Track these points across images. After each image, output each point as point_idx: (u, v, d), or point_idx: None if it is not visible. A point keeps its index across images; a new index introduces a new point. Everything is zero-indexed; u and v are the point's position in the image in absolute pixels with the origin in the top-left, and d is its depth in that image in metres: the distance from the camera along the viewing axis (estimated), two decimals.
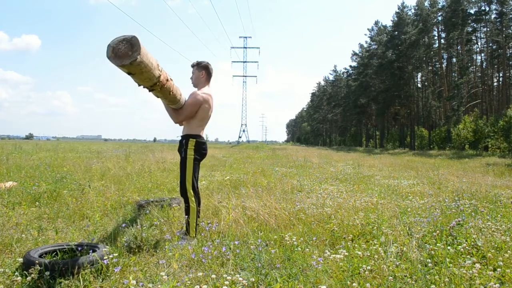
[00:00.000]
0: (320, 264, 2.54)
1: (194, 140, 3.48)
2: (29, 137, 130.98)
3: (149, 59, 2.46)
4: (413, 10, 41.75)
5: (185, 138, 3.51)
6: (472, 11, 36.48)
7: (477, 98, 38.27)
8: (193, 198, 3.39)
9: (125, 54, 2.27)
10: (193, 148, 3.46)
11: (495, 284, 2.14)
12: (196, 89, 3.62)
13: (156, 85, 2.75)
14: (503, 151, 26.41)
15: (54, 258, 2.82)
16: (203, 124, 3.58)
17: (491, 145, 29.02)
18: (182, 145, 3.51)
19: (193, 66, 3.66)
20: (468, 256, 2.74)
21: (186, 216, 3.38)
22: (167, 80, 2.88)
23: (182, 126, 3.65)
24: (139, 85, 2.73)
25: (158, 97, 3.13)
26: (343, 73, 68.24)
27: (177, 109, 3.50)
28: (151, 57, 2.49)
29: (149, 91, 2.85)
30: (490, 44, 36.51)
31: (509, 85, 36.33)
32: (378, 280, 2.33)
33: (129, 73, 2.45)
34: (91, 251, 2.74)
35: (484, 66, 39.39)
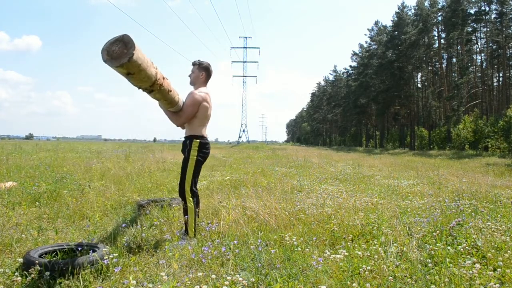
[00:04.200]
0: (320, 264, 2.54)
1: (198, 141, 3.49)
2: (29, 137, 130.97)
3: (144, 56, 2.47)
4: (413, 10, 41.75)
5: (189, 139, 3.51)
6: (472, 11, 36.49)
7: (477, 98, 38.27)
8: (190, 198, 3.40)
9: (121, 53, 2.28)
10: (197, 149, 3.47)
11: (495, 284, 2.14)
12: (192, 88, 3.62)
13: (155, 84, 2.75)
14: (503, 151, 26.40)
15: (54, 258, 2.82)
16: (204, 123, 3.58)
17: (491, 145, 29.01)
18: (186, 146, 3.52)
19: (194, 64, 3.65)
20: (468, 256, 2.74)
21: (186, 216, 3.38)
22: (164, 78, 2.89)
23: (185, 128, 3.65)
24: (139, 87, 2.73)
25: (158, 99, 3.13)
26: (343, 73, 68.26)
27: (176, 111, 3.50)
28: (145, 54, 2.50)
29: (149, 92, 2.85)
30: (490, 44, 36.51)
31: (509, 85, 36.33)
32: (378, 280, 2.33)
33: (127, 74, 2.45)
34: (91, 251, 2.74)
35: (484, 66, 39.38)
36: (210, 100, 3.58)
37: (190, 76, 3.65)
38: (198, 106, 3.46)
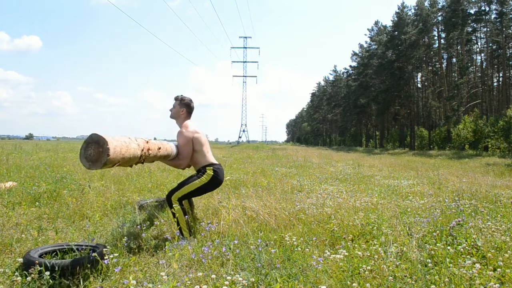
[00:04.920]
0: (320, 264, 2.54)
1: (212, 167, 3.52)
2: (29, 137, 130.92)
3: (120, 140, 2.47)
4: (413, 10, 41.75)
5: (202, 169, 3.55)
6: (472, 11, 36.50)
7: (477, 98, 38.27)
8: (176, 201, 3.41)
9: (98, 153, 2.28)
10: (210, 176, 3.49)
11: (495, 284, 2.14)
12: (174, 121, 3.68)
13: (143, 156, 2.78)
14: (503, 151, 26.41)
15: (54, 258, 2.82)
16: (206, 151, 3.61)
17: (491, 145, 29.01)
18: (199, 171, 3.55)
19: (176, 99, 3.70)
20: (468, 256, 2.74)
21: (176, 220, 3.39)
22: (147, 142, 2.91)
23: (192, 167, 3.70)
24: (131, 166, 2.79)
25: (153, 161, 3.19)
26: (343, 73, 68.26)
27: (175, 158, 3.54)
28: (118, 138, 2.48)
29: (142, 163, 2.89)
30: (490, 44, 36.50)
31: (509, 85, 36.33)
32: (378, 280, 2.33)
33: (114, 166, 2.46)
34: (91, 251, 2.74)
35: (484, 66, 39.37)
36: (198, 129, 3.62)
37: (171, 110, 3.70)
38: (191, 142, 3.50)
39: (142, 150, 2.76)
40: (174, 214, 3.38)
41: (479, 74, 40.41)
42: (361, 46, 56.31)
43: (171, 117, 3.69)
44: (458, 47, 38.11)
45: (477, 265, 2.38)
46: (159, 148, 3.09)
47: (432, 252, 2.83)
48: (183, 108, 3.64)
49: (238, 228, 3.59)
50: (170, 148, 3.37)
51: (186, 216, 3.37)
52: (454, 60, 39.92)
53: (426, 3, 39.61)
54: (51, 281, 2.32)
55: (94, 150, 2.29)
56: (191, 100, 3.70)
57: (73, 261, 2.47)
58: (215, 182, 3.54)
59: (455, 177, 9.01)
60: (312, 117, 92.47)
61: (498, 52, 35.80)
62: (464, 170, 12.13)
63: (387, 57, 43.31)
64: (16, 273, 2.46)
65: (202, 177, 3.47)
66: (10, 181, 6.30)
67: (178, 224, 3.36)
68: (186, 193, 3.45)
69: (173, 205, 3.36)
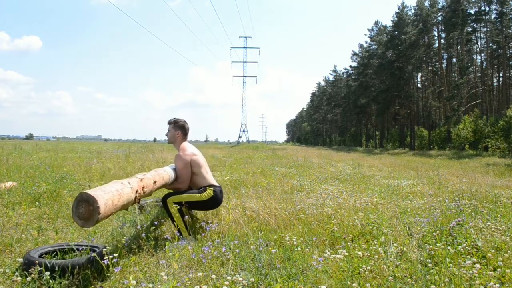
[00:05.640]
0: (320, 264, 2.54)
1: (212, 189, 3.51)
2: (29, 137, 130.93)
3: (111, 190, 2.43)
4: (413, 10, 41.76)
5: (203, 187, 3.54)
6: (472, 11, 36.51)
7: (477, 98, 38.27)
8: (172, 202, 3.39)
9: (89, 211, 2.25)
10: (210, 197, 3.47)
11: (495, 284, 2.14)
12: (172, 145, 3.71)
13: (137, 197, 2.77)
14: (503, 151, 26.41)
15: (54, 258, 2.82)
16: (206, 172, 3.60)
17: (491, 145, 29.02)
18: (200, 188, 3.54)
19: (169, 123, 3.71)
20: (468, 256, 2.74)
21: (172, 221, 3.39)
22: (142, 180, 2.88)
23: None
24: (126, 209, 2.75)
25: (152, 193, 3.17)
26: (343, 73, 68.28)
27: (173, 183, 3.53)
28: (108, 190, 2.43)
29: (139, 201, 2.86)
30: (490, 44, 36.50)
31: (509, 85, 36.33)
32: (378, 280, 2.33)
33: (109, 216, 2.43)
34: (91, 251, 2.74)
35: (484, 66, 39.37)
36: (195, 151, 3.62)
37: (167, 135, 3.71)
38: (189, 165, 3.50)
39: (137, 191, 2.73)
40: (171, 216, 3.37)
41: (479, 74, 40.41)
42: (361, 46, 56.33)
43: (169, 142, 3.72)
44: (458, 47, 38.12)
45: (477, 265, 2.38)
46: (155, 182, 3.07)
47: (432, 252, 2.83)
48: (178, 130, 3.66)
49: (238, 228, 3.59)
50: (167, 175, 3.37)
51: (186, 217, 3.37)
52: (454, 60, 39.93)
53: (426, 3, 39.62)
54: (51, 281, 2.32)
55: (85, 209, 2.25)
56: (185, 122, 3.71)
57: (73, 261, 2.47)
58: (213, 202, 3.53)
59: (455, 177, 9.01)
60: (312, 117, 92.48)
61: (498, 52, 35.80)
62: (464, 170, 12.13)
63: (387, 57, 43.31)
64: (16, 273, 2.46)
65: (202, 194, 3.47)
66: (10, 181, 6.30)
67: (176, 225, 3.36)
68: (182, 201, 3.42)
69: (169, 207, 3.36)
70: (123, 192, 2.56)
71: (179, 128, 3.66)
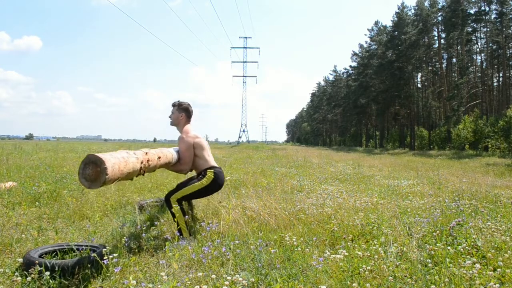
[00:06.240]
0: (320, 264, 2.54)
1: (212, 170, 3.52)
2: (29, 137, 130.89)
3: (118, 157, 2.46)
4: (413, 10, 41.77)
5: (203, 171, 3.55)
6: (472, 11, 36.51)
7: (477, 98, 38.27)
8: (175, 202, 3.41)
9: (96, 173, 2.28)
10: (211, 179, 3.48)
11: (495, 284, 2.14)
12: (175, 128, 3.70)
13: (143, 168, 2.79)
14: (503, 151, 26.42)
15: (54, 258, 2.82)
16: (207, 155, 3.61)
17: (491, 145, 29.03)
18: (200, 174, 3.55)
19: (173, 105, 3.70)
20: (468, 256, 2.74)
21: (174, 220, 3.39)
22: (146, 153, 2.90)
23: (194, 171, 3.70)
24: (132, 179, 2.78)
25: (154, 170, 3.19)
26: (343, 73, 68.29)
27: (176, 164, 3.54)
28: (116, 155, 2.48)
29: (143, 174, 2.89)
30: (490, 44, 36.50)
31: (509, 85, 36.33)
32: (378, 280, 2.33)
33: (115, 182, 2.46)
34: (91, 251, 2.74)
35: (484, 66, 39.37)
36: (199, 134, 3.63)
37: (170, 117, 3.70)
38: (192, 148, 3.51)
39: (142, 162, 2.76)
40: (173, 215, 3.38)
41: (479, 74, 40.41)
42: (361, 46, 56.34)
43: (172, 124, 3.71)
44: (458, 47, 38.11)
45: (477, 265, 2.38)
46: (159, 158, 3.10)
47: (432, 252, 2.83)
48: (182, 112, 3.65)
49: (238, 228, 3.58)
50: (171, 155, 3.38)
51: (186, 217, 3.37)
52: (454, 60, 39.94)
53: (426, 3, 39.62)
54: (51, 281, 2.32)
55: (92, 170, 2.29)
56: (189, 104, 3.70)
57: (73, 261, 2.47)
58: (215, 185, 3.54)
59: (455, 177, 9.01)
60: (312, 117, 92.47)
61: (498, 52, 35.80)
62: (464, 170, 12.13)
63: (387, 57, 43.31)
64: (16, 273, 2.46)
65: (203, 180, 3.47)
66: (10, 181, 6.30)
67: (178, 224, 3.37)
68: (186, 194, 3.45)
69: (173, 206, 3.36)
70: (129, 160, 2.58)
71: (183, 111, 3.65)
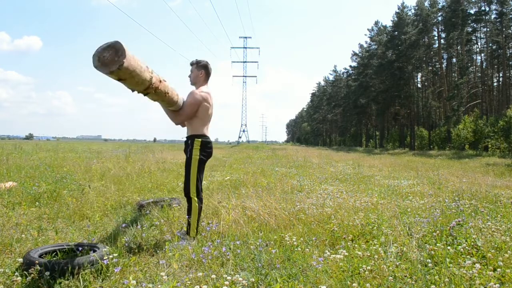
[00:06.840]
0: (320, 264, 2.54)
1: (200, 140, 3.47)
2: (29, 137, 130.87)
3: (137, 62, 2.45)
4: (413, 10, 41.77)
5: (190, 138, 3.49)
6: (472, 11, 36.51)
7: (477, 98, 38.27)
8: (196, 198, 3.37)
9: (111, 60, 2.26)
10: (199, 148, 3.44)
11: (495, 284, 2.14)
12: (194, 87, 3.60)
13: (150, 88, 2.74)
14: (503, 151, 26.42)
15: (54, 258, 2.82)
16: (205, 123, 3.55)
17: (491, 145, 29.03)
18: (188, 145, 3.50)
19: (192, 64, 3.63)
20: (468, 256, 2.74)
21: (188, 216, 3.37)
22: (160, 81, 2.86)
23: (186, 128, 3.63)
24: (133, 90, 2.72)
25: (155, 100, 3.12)
26: (343, 73, 68.28)
27: (176, 110, 3.48)
28: (138, 60, 2.47)
29: (144, 95, 2.84)
30: (490, 44, 36.50)
31: (509, 85, 36.33)
32: (378, 280, 2.33)
33: (119, 80, 2.44)
34: (91, 251, 2.74)
35: (484, 66, 39.37)
36: (211, 100, 3.55)
37: (189, 76, 3.64)
38: (198, 106, 3.43)
39: (153, 81, 2.71)
40: (190, 211, 3.35)
41: (479, 74, 40.41)
42: (361, 46, 56.34)
43: (191, 83, 3.62)
44: (458, 47, 38.11)
45: (477, 265, 2.38)
46: (167, 93, 3.03)
47: (432, 252, 2.83)
48: (201, 70, 3.58)
49: (238, 228, 3.59)
50: (177, 99, 3.31)
51: (199, 218, 3.36)
52: (454, 60, 39.94)
53: (426, 3, 39.62)
54: (51, 281, 2.32)
55: (110, 56, 2.26)
56: (207, 62, 3.63)
57: (73, 261, 2.47)
58: (205, 151, 3.48)
59: (455, 177, 9.01)
60: (312, 117, 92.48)
61: (498, 52, 35.80)
62: (464, 170, 12.13)
63: (387, 57, 43.31)
64: (16, 273, 2.46)
65: (193, 151, 3.42)
66: (10, 181, 6.30)
67: (188, 223, 3.34)
68: (195, 175, 3.40)
69: (192, 201, 3.34)
70: (145, 72, 2.57)
71: (202, 68, 3.58)
